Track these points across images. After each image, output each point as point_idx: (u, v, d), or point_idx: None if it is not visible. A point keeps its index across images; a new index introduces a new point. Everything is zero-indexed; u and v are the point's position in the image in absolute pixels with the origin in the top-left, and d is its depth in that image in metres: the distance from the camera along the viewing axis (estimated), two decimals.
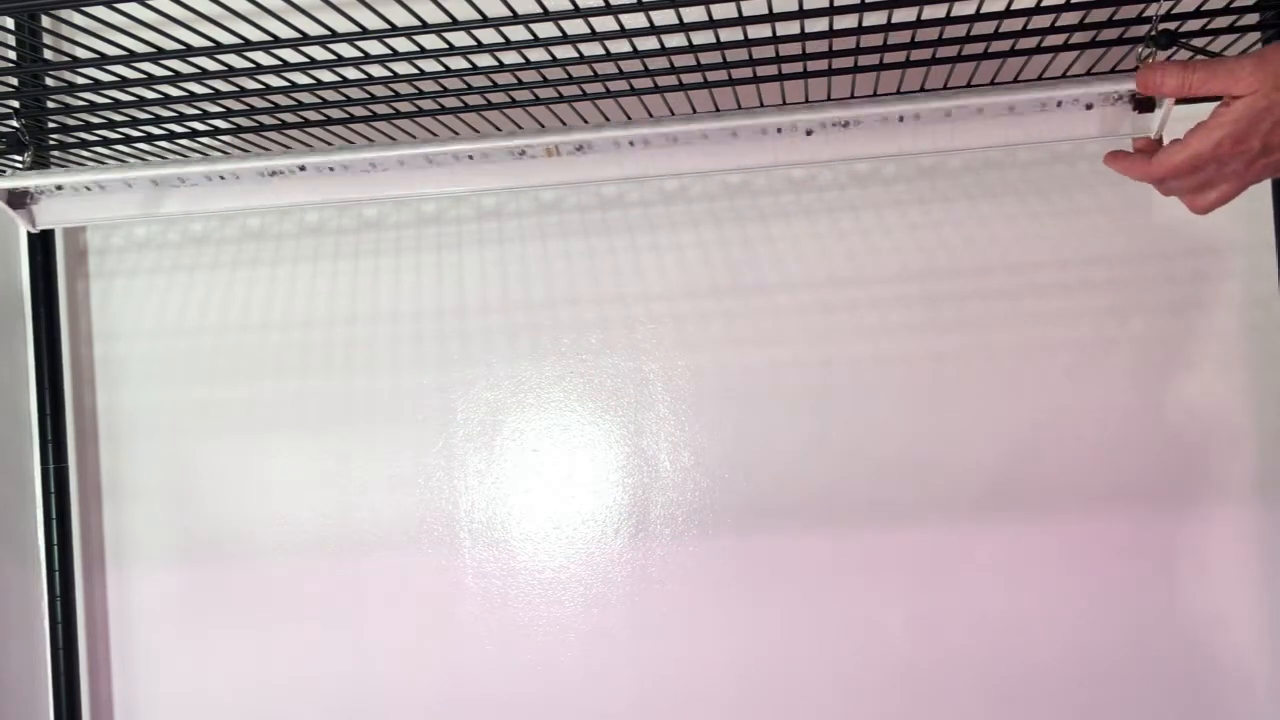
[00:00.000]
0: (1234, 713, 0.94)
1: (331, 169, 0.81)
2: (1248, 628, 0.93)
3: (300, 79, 0.73)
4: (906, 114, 0.74)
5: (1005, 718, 0.96)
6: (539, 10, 0.65)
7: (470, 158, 0.79)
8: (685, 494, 1.00)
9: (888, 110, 0.73)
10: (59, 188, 0.83)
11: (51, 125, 0.82)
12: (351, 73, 0.74)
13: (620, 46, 0.70)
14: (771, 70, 0.75)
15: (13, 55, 0.72)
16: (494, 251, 1.02)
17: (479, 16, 0.66)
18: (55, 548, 1.02)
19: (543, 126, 0.81)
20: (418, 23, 0.65)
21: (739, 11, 0.66)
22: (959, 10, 0.68)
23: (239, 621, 1.05)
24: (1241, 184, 0.64)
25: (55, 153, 0.85)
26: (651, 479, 1.00)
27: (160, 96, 0.74)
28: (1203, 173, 0.64)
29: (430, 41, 0.68)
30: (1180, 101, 0.68)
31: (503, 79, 0.75)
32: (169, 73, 0.72)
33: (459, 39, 0.69)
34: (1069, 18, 0.70)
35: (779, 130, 0.75)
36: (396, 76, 0.72)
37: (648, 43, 0.69)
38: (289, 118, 0.80)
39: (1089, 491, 0.95)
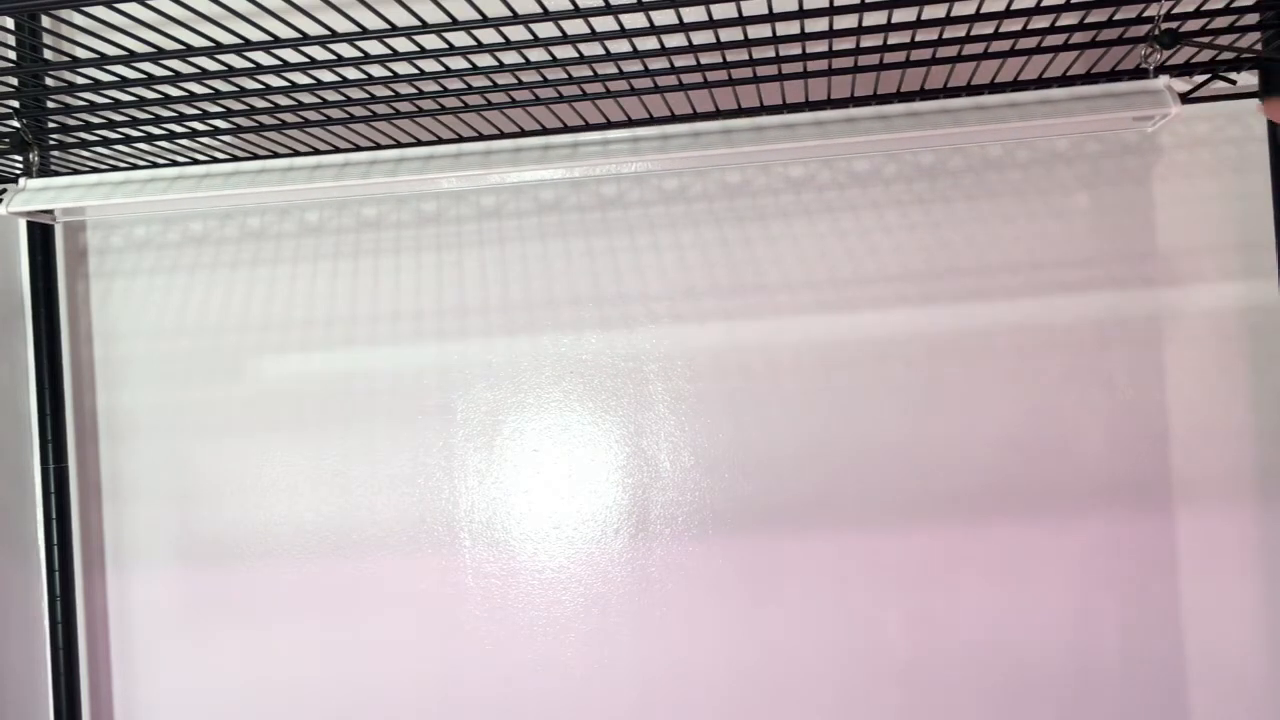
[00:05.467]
0: (1233, 712, 0.94)
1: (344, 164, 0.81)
2: (1247, 627, 0.93)
3: (300, 79, 0.73)
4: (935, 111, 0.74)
5: (1005, 717, 0.96)
6: (539, 10, 0.65)
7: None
8: (685, 494, 1.00)
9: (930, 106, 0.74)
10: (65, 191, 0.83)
11: (51, 125, 0.82)
12: (351, 73, 0.74)
13: (620, 46, 0.70)
14: (771, 70, 0.75)
15: (13, 55, 0.72)
16: (494, 251, 1.02)
17: (479, 16, 0.65)
18: (55, 548, 1.02)
19: (544, 127, 0.81)
20: (418, 23, 0.65)
21: (739, 11, 0.66)
22: (959, 10, 0.68)
23: (239, 621, 1.05)
24: None
25: (55, 153, 0.85)
26: (651, 479, 1.00)
27: (160, 96, 0.75)
28: None
29: (430, 41, 0.68)
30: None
31: (503, 79, 0.75)
32: (169, 73, 0.72)
33: (459, 39, 0.69)
34: (1069, 18, 0.70)
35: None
36: (396, 76, 0.72)
37: (648, 43, 0.69)
38: (289, 118, 0.80)
39: (1089, 491, 0.95)
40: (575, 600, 1.01)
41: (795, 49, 0.72)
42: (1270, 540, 0.93)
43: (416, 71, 0.73)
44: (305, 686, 1.04)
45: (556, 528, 1.02)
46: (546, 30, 0.69)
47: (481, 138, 0.82)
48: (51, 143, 0.83)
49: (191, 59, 0.69)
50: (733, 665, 0.99)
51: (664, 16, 0.65)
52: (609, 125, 0.80)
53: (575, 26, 0.67)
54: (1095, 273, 0.94)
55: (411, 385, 1.03)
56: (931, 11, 0.68)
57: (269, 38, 0.67)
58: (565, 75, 0.74)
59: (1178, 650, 0.94)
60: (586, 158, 0.77)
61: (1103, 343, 0.94)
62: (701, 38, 0.69)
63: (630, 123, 0.80)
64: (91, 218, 1.06)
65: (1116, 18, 0.70)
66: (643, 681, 1.00)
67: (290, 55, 0.71)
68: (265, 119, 0.80)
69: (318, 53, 0.69)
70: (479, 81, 0.75)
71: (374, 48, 0.69)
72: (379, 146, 0.81)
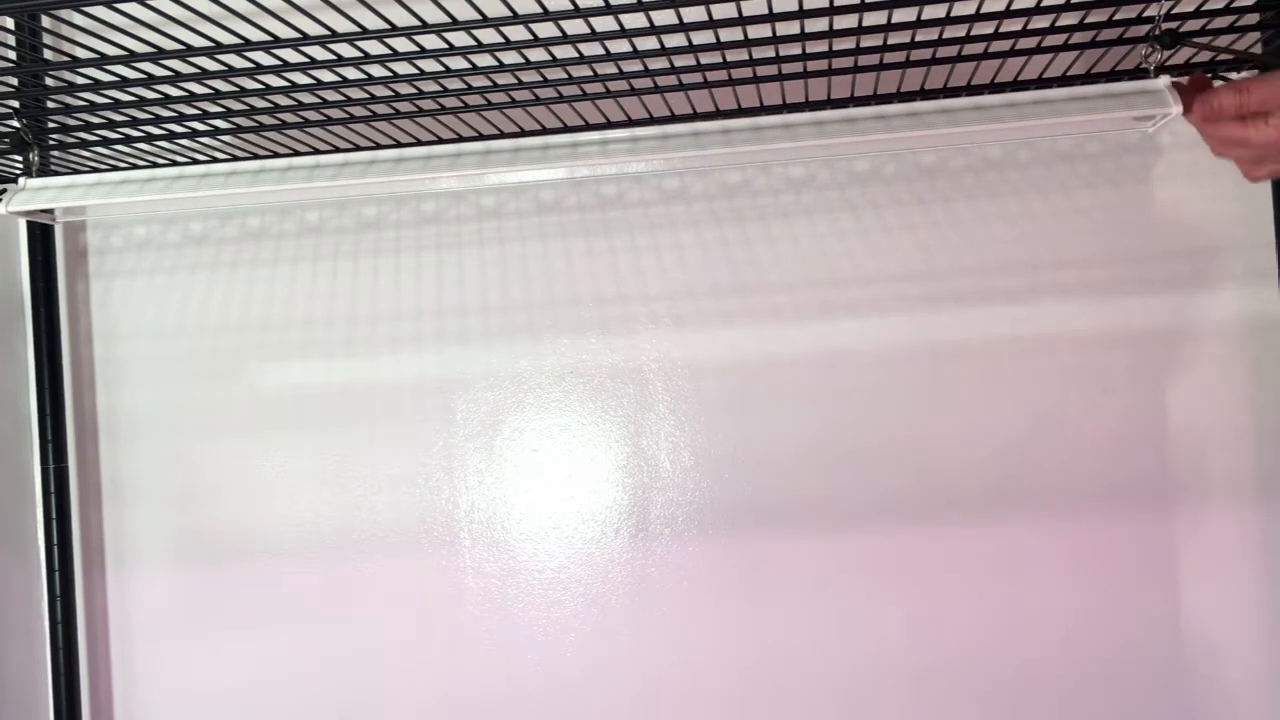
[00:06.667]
0: (1233, 712, 0.94)
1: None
2: (1247, 627, 0.93)
3: (300, 79, 0.73)
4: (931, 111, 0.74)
5: (1005, 717, 0.96)
6: (539, 10, 0.65)
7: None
8: (685, 494, 1.00)
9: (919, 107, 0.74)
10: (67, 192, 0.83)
11: (51, 125, 0.82)
12: (351, 73, 0.74)
13: (620, 46, 0.70)
14: (771, 70, 0.75)
15: (13, 55, 0.72)
16: (494, 251, 1.02)
17: (479, 16, 0.65)
18: (55, 548, 1.02)
19: (544, 127, 0.81)
20: (418, 23, 0.65)
21: (739, 11, 0.66)
22: (959, 10, 0.68)
23: (239, 621, 1.05)
24: None
25: (55, 153, 0.85)
26: (651, 479, 1.00)
27: (160, 96, 0.75)
28: (1257, 151, 0.64)
29: (430, 41, 0.68)
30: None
31: (503, 79, 0.75)
32: (169, 73, 0.72)
33: (459, 39, 0.69)
34: (1069, 18, 0.70)
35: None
36: (396, 76, 0.72)
37: (648, 43, 0.69)
38: (289, 118, 0.80)
39: (1089, 491, 0.95)
40: (575, 600, 1.01)
41: (795, 49, 0.72)
42: (1270, 540, 0.93)
43: (416, 71, 0.73)
44: (305, 686, 1.04)
45: (556, 528, 1.02)
46: (546, 30, 0.69)
47: (481, 138, 0.82)
48: (51, 143, 0.83)
49: (191, 59, 0.69)
50: (733, 665, 0.99)
51: (664, 16, 0.65)
52: (609, 125, 0.80)
53: (575, 26, 0.67)
54: (1095, 273, 0.94)
55: (411, 385, 1.03)
56: (931, 11, 0.68)
57: (269, 38, 0.67)
58: (565, 75, 0.74)
59: (1177, 650, 0.94)
60: (585, 157, 0.77)
61: (1102, 343, 0.94)
62: (701, 38, 0.69)
63: (630, 123, 0.80)
64: (91, 218, 1.06)
65: (1116, 18, 0.70)
66: (643, 681, 1.00)
67: (290, 55, 0.71)
68: (265, 119, 0.80)
69: (318, 53, 0.69)
70: (479, 81, 0.75)
71: (374, 48, 0.69)
72: (379, 146, 0.81)
